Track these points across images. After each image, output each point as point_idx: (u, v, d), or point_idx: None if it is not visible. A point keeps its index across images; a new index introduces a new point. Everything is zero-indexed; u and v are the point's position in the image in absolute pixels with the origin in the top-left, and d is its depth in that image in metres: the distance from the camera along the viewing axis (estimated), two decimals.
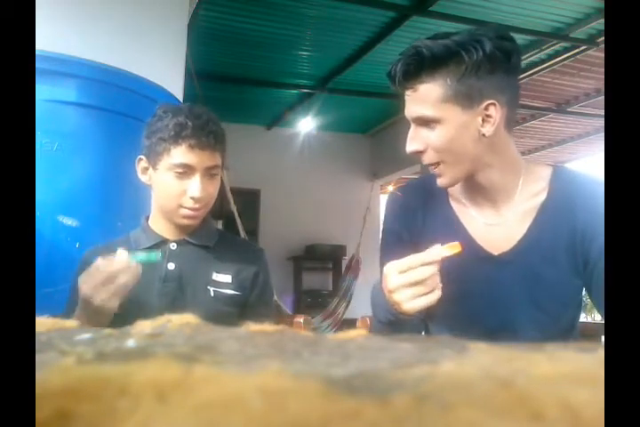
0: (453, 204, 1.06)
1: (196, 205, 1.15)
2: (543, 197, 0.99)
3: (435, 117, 0.92)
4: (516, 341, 0.95)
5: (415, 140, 0.96)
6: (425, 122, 0.94)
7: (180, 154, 1.12)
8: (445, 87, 0.90)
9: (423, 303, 0.84)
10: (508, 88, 0.95)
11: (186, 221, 1.18)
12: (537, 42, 4.17)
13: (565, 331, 1.02)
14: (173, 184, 1.14)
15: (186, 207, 1.15)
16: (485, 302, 1.00)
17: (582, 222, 0.96)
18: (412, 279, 0.83)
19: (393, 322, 0.92)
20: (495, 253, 1.00)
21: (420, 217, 1.08)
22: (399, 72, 0.93)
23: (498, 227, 1.00)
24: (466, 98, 0.91)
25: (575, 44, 4.16)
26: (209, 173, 1.16)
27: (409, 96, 0.95)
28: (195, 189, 1.13)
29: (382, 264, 0.92)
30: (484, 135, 0.93)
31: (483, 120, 0.92)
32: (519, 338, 0.98)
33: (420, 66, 0.91)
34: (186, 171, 1.13)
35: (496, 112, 0.92)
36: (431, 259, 0.83)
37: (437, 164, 0.96)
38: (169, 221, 1.21)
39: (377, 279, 0.96)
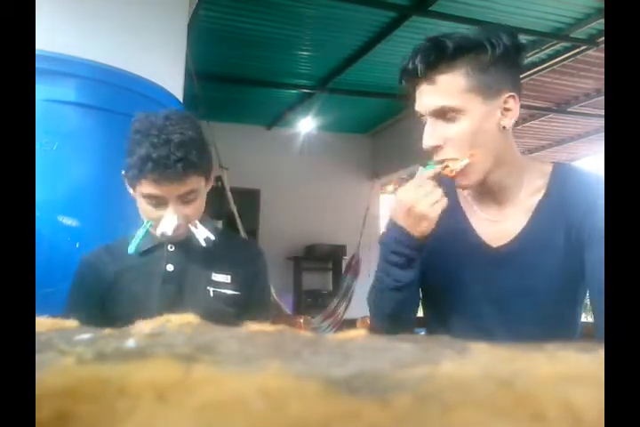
0: (460, 198, 1.07)
1: (174, 234, 1.11)
2: (542, 192, 1.00)
3: (457, 108, 0.91)
4: (510, 331, 0.97)
5: (434, 135, 0.93)
6: (444, 114, 0.92)
7: (148, 186, 1.08)
8: (468, 77, 0.90)
9: (442, 205, 0.92)
10: (519, 83, 0.96)
11: (170, 238, 1.15)
12: (537, 42, 4.17)
13: (566, 327, 1.02)
14: (149, 211, 1.12)
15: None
16: (482, 293, 1.01)
17: (580, 217, 0.96)
18: (426, 190, 0.92)
19: (404, 259, 0.95)
20: (494, 245, 1.01)
21: None
22: (421, 63, 0.91)
23: (500, 223, 1.02)
24: (487, 88, 0.91)
25: (575, 44, 4.16)
26: (183, 199, 1.11)
27: (427, 87, 0.93)
28: (166, 225, 1.09)
29: None
30: (504, 128, 0.93)
31: (501, 113, 0.93)
32: (513, 328, 0.98)
33: (440, 56, 0.91)
34: (157, 201, 1.10)
35: (515, 105, 0.93)
36: (431, 174, 0.93)
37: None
38: None
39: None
